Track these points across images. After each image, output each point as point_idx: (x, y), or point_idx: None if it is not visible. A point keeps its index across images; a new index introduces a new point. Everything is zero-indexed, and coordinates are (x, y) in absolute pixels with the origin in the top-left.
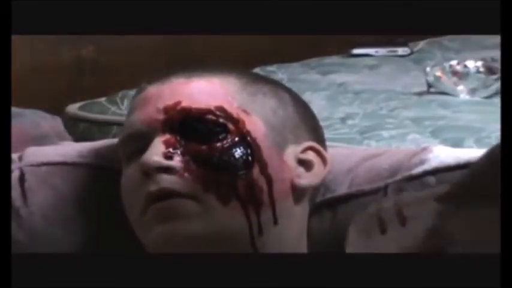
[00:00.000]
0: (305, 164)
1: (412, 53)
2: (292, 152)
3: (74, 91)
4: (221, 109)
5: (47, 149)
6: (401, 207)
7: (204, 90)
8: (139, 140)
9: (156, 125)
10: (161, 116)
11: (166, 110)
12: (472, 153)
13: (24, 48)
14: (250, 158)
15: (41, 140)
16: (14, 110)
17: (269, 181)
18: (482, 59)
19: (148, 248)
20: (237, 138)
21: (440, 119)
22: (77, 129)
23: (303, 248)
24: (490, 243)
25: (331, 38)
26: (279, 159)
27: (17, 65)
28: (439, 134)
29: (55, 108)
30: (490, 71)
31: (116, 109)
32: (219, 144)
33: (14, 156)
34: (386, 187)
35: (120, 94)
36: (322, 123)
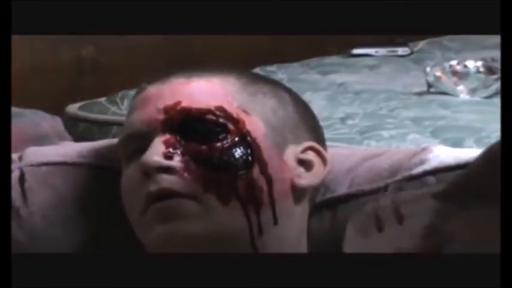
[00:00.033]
0: (305, 164)
1: (412, 53)
2: (292, 152)
3: (74, 91)
4: (221, 109)
5: (47, 149)
6: (398, 206)
7: (204, 90)
8: (139, 140)
9: (156, 125)
10: (161, 116)
11: (166, 110)
12: (472, 153)
13: (24, 48)
14: (250, 158)
15: (41, 140)
16: (14, 110)
17: (269, 181)
18: (482, 59)
19: (148, 248)
20: (237, 138)
21: (440, 119)
22: (77, 129)
23: (303, 248)
24: (488, 242)
25: (331, 38)
26: (279, 159)
27: (17, 65)
28: (439, 134)
29: (55, 108)
30: (490, 71)
31: (116, 109)
32: (219, 144)
33: (14, 156)
34: (386, 187)
35: (120, 94)
36: (322, 123)
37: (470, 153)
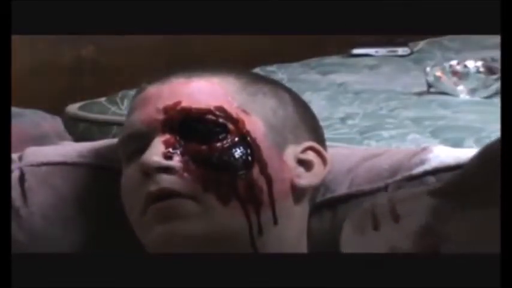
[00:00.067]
0: (305, 164)
1: (412, 53)
2: (292, 152)
3: (74, 91)
4: (221, 109)
5: (47, 149)
6: (394, 204)
7: (204, 90)
8: (139, 140)
9: (156, 125)
10: (161, 116)
11: (166, 110)
12: (472, 153)
13: (24, 48)
14: (250, 158)
15: (41, 140)
16: (14, 110)
17: (269, 181)
18: (482, 59)
19: (148, 248)
20: (236, 138)
21: (440, 119)
22: (77, 129)
23: (303, 248)
24: (484, 243)
25: (331, 38)
26: (278, 159)
27: (17, 65)
28: (439, 134)
29: (55, 108)
30: (490, 71)
31: (116, 109)
32: (218, 144)
33: (14, 156)
34: (386, 187)
35: (120, 94)
36: (322, 123)
37: (470, 153)
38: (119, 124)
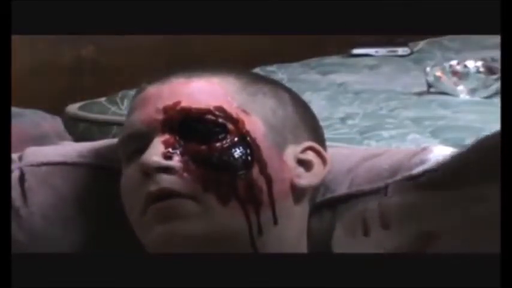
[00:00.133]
0: (305, 164)
1: (412, 53)
2: (291, 152)
3: (74, 91)
4: (221, 109)
5: (47, 149)
6: (384, 211)
7: (204, 90)
8: (139, 140)
9: (156, 125)
10: (161, 116)
11: (166, 110)
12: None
13: (24, 48)
14: (249, 158)
15: (41, 140)
16: (14, 110)
17: (269, 181)
18: (482, 59)
19: (148, 248)
20: (236, 138)
21: (440, 119)
22: (77, 129)
23: (303, 248)
24: (479, 240)
25: (331, 38)
26: (278, 159)
27: (17, 65)
28: (439, 134)
29: (55, 108)
30: (490, 71)
31: (116, 109)
32: (218, 144)
33: (14, 156)
34: (386, 187)
35: (120, 94)
36: (322, 123)
37: None
38: (119, 124)
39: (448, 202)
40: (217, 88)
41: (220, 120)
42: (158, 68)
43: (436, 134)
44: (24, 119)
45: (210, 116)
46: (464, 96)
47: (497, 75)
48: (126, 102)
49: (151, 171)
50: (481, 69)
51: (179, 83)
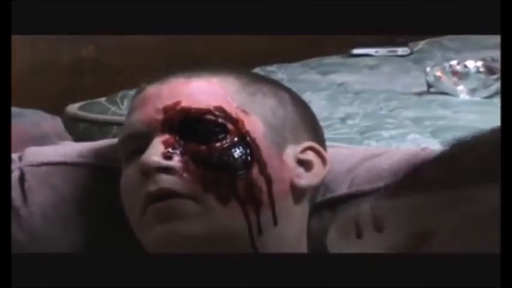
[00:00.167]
0: (305, 164)
1: (412, 53)
2: (291, 152)
3: (74, 91)
4: (220, 109)
5: (47, 149)
6: (377, 213)
7: (204, 90)
8: (139, 140)
9: (156, 125)
10: (161, 116)
11: (166, 110)
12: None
13: (24, 48)
14: (249, 158)
15: (41, 140)
16: (14, 110)
17: (268, 181)
18: (482, 59)
19: (147, 248)
20: (236, 138)
21: (440, 119)
22: (77, 129)
23: (303, 248)
24: (474, 242)
25: (331, 38)
26: (278, 159)
27: (17, 65)
28: (439, 134)
29: (55, 108)
30: (490, 71)
31: (116, 109)
32: (218, 144)
33: (14, 156)
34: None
35: (120, 94)
36: (322, 123)
37: None
38: (119, 124)
39: (441, 203)
40: (217, 88)
41: (220, 120)
42: (158, 68)
43: (436, 134)
44: (24, 119)
45: (209, 116)
46: (464, 96)
47: (497, 75)
48: (126, 102)
49: (151, 171)
50: (481, 69)
51: (179, 83)
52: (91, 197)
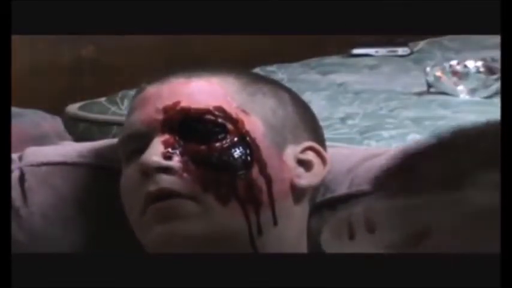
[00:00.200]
0: (305, 164)
1: (412, 53)
2: (291, 152)
3: (74, 91)
4: (220, 109)
5: (47, 149)
6: (370, 215)
7: (204, 90)
8: (139, 140)
9: (156, 125)
10: (160, 116)
11: (166, 110)
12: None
13: (24, 48)
14: (249, 158)
15: (41, 140)
16: (14, 110)
17: (268, 181)
18: (482, 59)
19: (147, 248)
20: (236, 138)
21: (440, 119)
22: (77, 129)
23: (303, 248)
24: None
25: (331, 38)
26: (278, 159)
27: (17, 65)
28: None
29: (55, 108)
30: (490, 71)
31: (116, 109)
32: (218, 144)
33: (14, 156)
34: None
35: (120, 94)
36: (322, 123)
37: None
38: (119, 124)
39: (435, 204)
40: (217, 88)
41: (219, 120)
42: (158, 68)
43: None
44: (24, 119)
45: (209, 116)
46: (464, 96)
47: (497, 75)
48: (126, 102)
49: (151, 171)
50: (481, 69)
51: (179, 83)
52: (91, 197)
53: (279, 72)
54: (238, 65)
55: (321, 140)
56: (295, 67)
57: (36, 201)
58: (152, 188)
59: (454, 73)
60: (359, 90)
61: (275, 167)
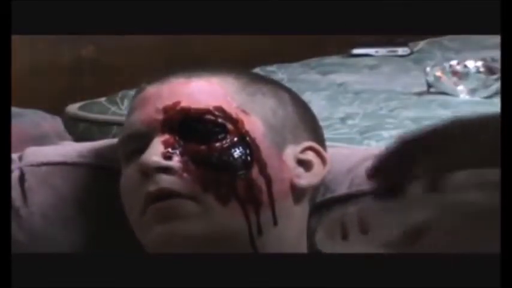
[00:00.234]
0: (304, 164)
1: (412, 53)
2: (291, 152)
3: (74, 91)
4: (220, 109)
5: (47, 149)
6: (363, 216)
7: (203, 90)
8: (139, 140)
9: (156, 125)
10: (160, 116)
11: (166, 110)
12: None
13: (24, 48)
14: (249, 158)
15: (41, 140)
16: (14, 110)
17: (268, 181)
18: (482, 59)
19: (147, 248)
20: (236, 138)
21: (440, 119)
22: (77, 129)
23: (302, 248)
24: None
25: (331, 38)
26: (278, 159)
27: (17, 65)
28: None
29: (55, 108)
30: (490, 71)
31: (116, 109)
32: (218, 144)
33: (14, 156)
34: None
35: (120, 94)
36: (322, 123)
37: None
38: (119, 124)
39: (429, 203)
40: (217, 88)
41: (219, 120)
42: (158, 68)
43: None
44: (24, 119)
45: (209, 116)
46: (464, 96)
47: (497, 75)
48: (126, 102)
49: (150, 171)
50: (481, 69)
51: (179, 83)
52: (91, 197)
53: (279, 72)
54: (238, 65)
55: (320, 140)
56: (295, 67)
57: (36, 201)
58: (152, 188)
59: (454, 73)
60: (359, 90)
61: (275, 167)
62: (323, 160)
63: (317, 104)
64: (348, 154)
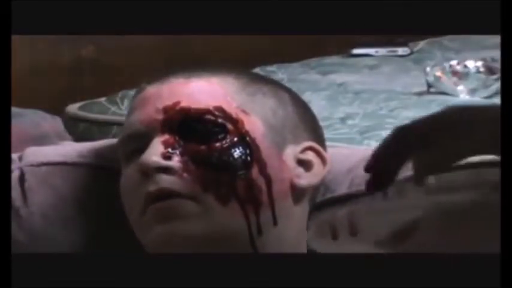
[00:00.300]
0: (304, 164)
1: (412, 53)
2: (291, 152)
3: (74, 91)
4: (220, 109)
5: (47, 149)
6: (353, 219)
7: (203, 90)
8: (139, 140)
9: (155, 125)
10: (160, 116)
11: (166, 110)
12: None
13: (24, 48)
14: (249, 158)
15: (41, 140)
16: (14, 110)
17: (268, 181)
18: (482, 59)
19: (147, 248)
20: (236, 138)
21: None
22: (77, 129)
23: (302, 248)
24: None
25: (331, 38)
26: (278, 159)
27: (17, 65)
28: None
29: (55, 108)
30: (490, 71)
31: (116, 109)
32: (218, 144)
33: (14, 156)
34: None
35: (120, 94)
36: (322, 123)
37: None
38: (119, 124)
39: (419, 206)
40: (217, 88)
41: (219, 120)
42: (158, 68)
43: None
44: (24, 119)
45: (209, 116)
46: (464, 96)
47: (497, 75)
48: (126, 102)
49: (150, 172)
50: (481, 69)
51: (179, 83)
52: (91, 197)
53: (279, 72)
54: (238, 65)
55: (320, 140)
56: (295, 67)
57: (36, 201)
58: (152, 188)
59: (454, 73)
60: (359, 90)
61: (275, 167)
62: (323, 160)
63: (317, 104)
64: (348, 154)
